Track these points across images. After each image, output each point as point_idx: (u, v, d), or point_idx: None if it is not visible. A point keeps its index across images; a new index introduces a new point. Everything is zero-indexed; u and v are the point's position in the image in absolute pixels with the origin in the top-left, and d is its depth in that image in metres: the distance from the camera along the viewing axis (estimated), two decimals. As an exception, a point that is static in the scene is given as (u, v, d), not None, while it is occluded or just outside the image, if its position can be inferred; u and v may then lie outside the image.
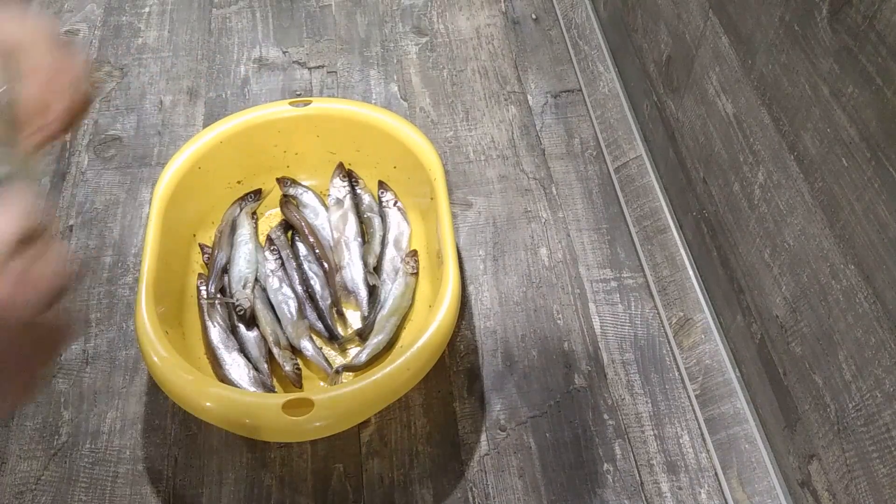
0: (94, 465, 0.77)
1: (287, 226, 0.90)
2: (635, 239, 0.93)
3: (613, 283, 0.90)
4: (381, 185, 0.91)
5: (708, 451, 0.77)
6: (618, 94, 1.03)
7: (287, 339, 0.81)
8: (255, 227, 0.90)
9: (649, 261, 0.90)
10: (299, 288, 0.84)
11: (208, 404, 0.66)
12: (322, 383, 0.80)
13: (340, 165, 0.92)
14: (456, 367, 0.83)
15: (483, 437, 0.79)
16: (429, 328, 0.69)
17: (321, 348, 0.82)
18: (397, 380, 0.67)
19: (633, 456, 0.77)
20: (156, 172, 0.95)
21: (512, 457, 0.77)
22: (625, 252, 0.93)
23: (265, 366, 0.79)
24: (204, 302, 0.82)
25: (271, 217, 0.93)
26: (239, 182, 0.92)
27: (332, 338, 0.82)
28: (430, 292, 0.83)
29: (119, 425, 0.80)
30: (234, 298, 0.82)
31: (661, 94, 0.89)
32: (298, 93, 1.10)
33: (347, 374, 0.79)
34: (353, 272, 0.85)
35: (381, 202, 0.91)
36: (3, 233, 0.28)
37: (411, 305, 0.85)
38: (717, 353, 0.80)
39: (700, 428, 0.79)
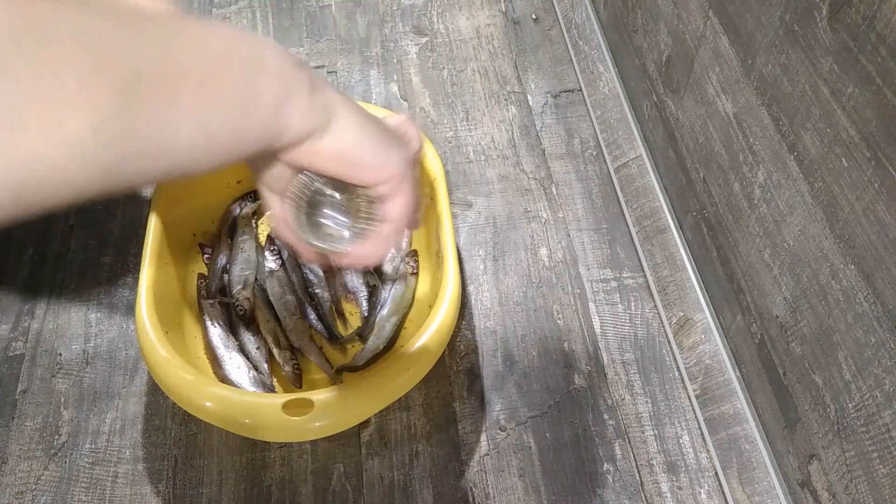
0: (94, 465, 0.77)
1: (287, 226, 0.90)
2: (635, 239, 0.93)
3: (613, 283, 0.90)
4: (381, 185, 0.91)
5: (708, 451, 0.77)
6: (618, 94, 1.03)
7: (287, 339, 0.81)
8: (255, 228, 0.90)
9: (649, 261, 0.90)
10: (299, 288, 0.84)
11: (208, 404, 0.66)
12: (322, 383, 0.80)
13: (340, 165, 0.92)
14: (456, 367, 0.83)
15: (483, 437, 0.79)
16: (429, 328, 0.69)
17: (321, 348, 0.82)
18: (397, 380, 0.67)
19: (633, 456, 0.77)
20: (156, 172, 0.95)
21: (512, 457, 0.77)
22: (625, 252, 0.93)
23: (265, 366, 0.79)
24: (204, 302, 0.82)
25: (271, 217, 0.93)
26: (239, 182, 0.92)
27: (332, 338, 0.82)
28: (430, 292, 0.83)
29: (119, 425, 0.80)
30: (234, 298, 0.82)
31: (661, 94, 0.89)
32: (298, 93, 1.09)
33: (347, 374, 0.79)
34: (353, 272, 0.85)
35: (381, 202, 0.91)
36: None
37: (411, 305, 0.85)
38: (717, 353, 0.80)
39: (700, 428, 0.79)
